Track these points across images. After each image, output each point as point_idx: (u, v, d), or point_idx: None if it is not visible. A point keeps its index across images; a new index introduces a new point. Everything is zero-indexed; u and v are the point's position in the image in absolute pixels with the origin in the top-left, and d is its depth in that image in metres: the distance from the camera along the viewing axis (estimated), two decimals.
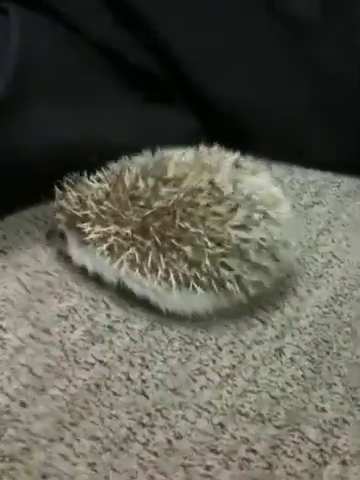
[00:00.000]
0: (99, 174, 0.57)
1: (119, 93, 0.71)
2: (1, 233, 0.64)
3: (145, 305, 0.56)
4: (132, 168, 0.55)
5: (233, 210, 0.52)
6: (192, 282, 0.51)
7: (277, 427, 0.49)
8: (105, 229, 0.54)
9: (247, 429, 0.48)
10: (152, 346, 0.54)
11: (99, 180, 0.57)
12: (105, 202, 0.54)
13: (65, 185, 0.58)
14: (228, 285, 0.52)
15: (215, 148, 0.58)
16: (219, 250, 0.51)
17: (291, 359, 0.55)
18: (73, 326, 0.55)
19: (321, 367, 0.55)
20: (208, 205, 0.51)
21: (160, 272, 0.52)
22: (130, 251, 0.53)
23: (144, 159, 0.56)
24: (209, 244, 0.51)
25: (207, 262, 0.51)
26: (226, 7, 0.71)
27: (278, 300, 0.60)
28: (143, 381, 0.51)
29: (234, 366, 0.53)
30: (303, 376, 0.53)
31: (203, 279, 0.51)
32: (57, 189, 0.58)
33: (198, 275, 0.51)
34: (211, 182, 0.52)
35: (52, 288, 0.58)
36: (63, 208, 0.57)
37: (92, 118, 0.67)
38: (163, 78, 0.72)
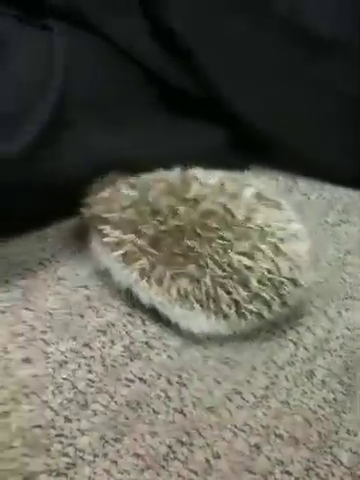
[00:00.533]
0: (133, 180, 0.60)
1: (154, 109, 0.73)
2: (40, 246, 0.66)
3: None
4: (160, 183, 0.57)
5: (241, 237, 0.54)
6: (191, 297, 0.54)
7: (310, 450, 0.50)
8: (123, 236, 0.57)
9: (282, 451, 0.50)
10: (188, 364, 0.56)
11: (133, 186, 0.59)
12: (129, 210, 0.57)
13: (99, 185, 0.61)
14: (225, 307, 0.53)
15: (241, 175, 0.59)
16: (220, 272, 0.53)
17: (322, 381, 0.57)
18: (112, 341, 0.57)
19: (351, 390, 0.56)
20: (217, 229, 0.53)
21: (165, 284, 0.54)
22: (142, 261, 0.55)
23: (173, 175, 0.58)
24: (209, 264, 0.53)
25: (207, 281, 0.53)
26: (253, 32, 0.73)
27: (310, 321, 0.62)
28: (181, 399, 0.53)
29: (268, 387, 0.55)
30: (334, 399, 0.55)
31: (202, 297, 0.53)
32: (92, 187, 0.61)
33: (196, 292, 0.53)
34: (225, 207, 0.54)
35: (91, 302, 0.60)
36: (91, 206, 0.60)
37: (131, 135, 0.68)
38: (197, 95, 0.74)
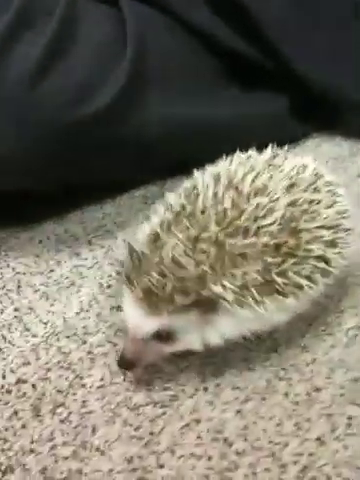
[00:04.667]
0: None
1: (221, 79, 0.74)
2: (115, 210, 0.67)
3: None
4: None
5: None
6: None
7: None
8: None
9: None
10: None
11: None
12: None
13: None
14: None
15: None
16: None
17: None
18: None
19: None
20: None
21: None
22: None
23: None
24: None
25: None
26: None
27: None
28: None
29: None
30: None
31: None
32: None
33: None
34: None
35: None
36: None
37: (200, 103, 0.70)
38: (260, 63, 0.75)
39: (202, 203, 0.45)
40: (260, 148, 0.54)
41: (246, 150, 0.55)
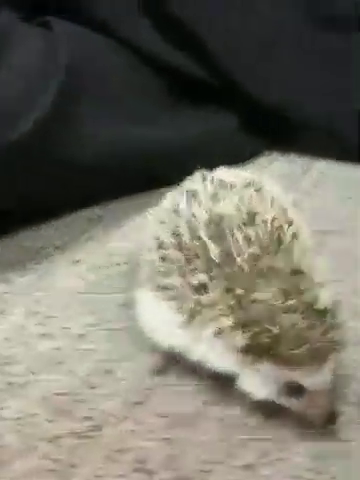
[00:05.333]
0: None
1: (161, 96, 0.73)
2: (55, 233, 0.65)
3: None
4: None
5: None
6: None
7: None
8: None
9: None
10: None
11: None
12: None
13: None
14: None
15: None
16: None
17: None
18: None
19: None
20: None
21: None
22: None
23: None
24: None
25: None
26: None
27: None
28: None
29: None
30: None
31: None
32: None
33: None
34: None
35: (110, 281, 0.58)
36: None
37: (142, 125, 0.68)
38: (205, 80, 0.73)
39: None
40: (211, 167, 0.52)
41: (192, 171, 0.52)
